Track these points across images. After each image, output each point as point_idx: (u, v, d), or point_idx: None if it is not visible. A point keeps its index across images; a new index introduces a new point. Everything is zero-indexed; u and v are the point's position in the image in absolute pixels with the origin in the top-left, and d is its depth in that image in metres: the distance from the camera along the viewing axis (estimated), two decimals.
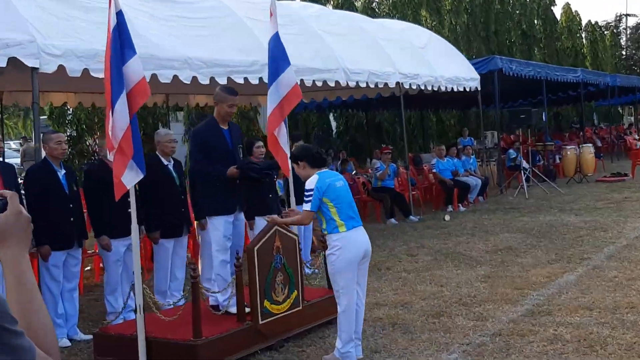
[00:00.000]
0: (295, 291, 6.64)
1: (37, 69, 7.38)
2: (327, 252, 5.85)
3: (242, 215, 7.08)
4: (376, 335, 6.72)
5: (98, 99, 12.83)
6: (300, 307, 6.71)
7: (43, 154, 7.29)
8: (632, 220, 12.19)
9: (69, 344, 6.96)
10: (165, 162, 7.87)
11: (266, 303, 6.29)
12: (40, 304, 1.74)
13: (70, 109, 17.51)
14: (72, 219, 7.02)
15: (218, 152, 6.75)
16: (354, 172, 17.30)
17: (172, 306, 7.10)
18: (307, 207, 5.76)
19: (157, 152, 7.94)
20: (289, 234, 6.63)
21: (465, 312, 7.24)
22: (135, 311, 5.86)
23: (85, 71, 7.90)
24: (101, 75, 8.01)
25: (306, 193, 5.75)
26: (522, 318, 6.92)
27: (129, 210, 6.93)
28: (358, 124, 25.91)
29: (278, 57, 7.27)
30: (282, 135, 7.25)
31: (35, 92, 7.58)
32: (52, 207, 6.88)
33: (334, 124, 27.62)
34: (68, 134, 17.66)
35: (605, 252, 9.69)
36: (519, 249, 10.35)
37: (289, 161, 7.58)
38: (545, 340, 6.23)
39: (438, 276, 8.92)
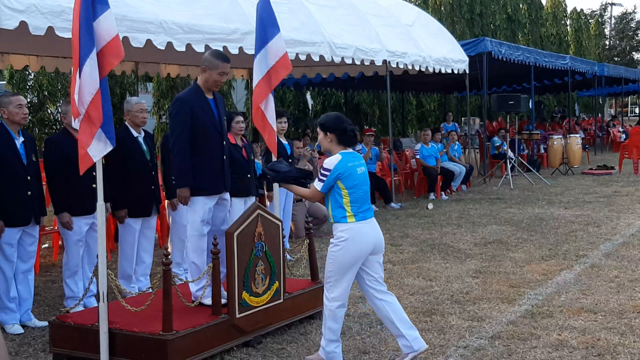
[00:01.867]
0: (277, 282, 5.99)
1: None
2: (331, 241, 5.22)
3: (227, 196, 6.22)
4: (363, 333, 6.13)
5: (62, 63, 12.07)
6: (282, 300, 6.06)
7: None
8: (625, 216, 11.70)
9: (22, 330, 6.26)
10: (136, 134, 7.15)
11: (244, 295, 5.63)
12: None
13: (32, 74, 16.59)
14: (29, 192, 6.28)
15: (203, 123, 5.89)
16: None
17: (137, 293, 6.41)
18: (318, 185, 5.16)
19: (126, 123, 7.21)
20: (272, 219, 5.97)
21: (459, 311, 6.65)
22: (97, 298, 5.19)
23: (50, 30, 7.14)
24: (67, 35, 7.28)
25: (322, 171, 5.12)
26: (522, 320, 6.35)
27: (94, 185, 6.24)
28: (336, 103, 25.23)
29: (267, 23, 6.58)
30: (270, 109, 6.59)
31: None
32: (7, 179, 6.15)
33: (310, 103, 26.93)
34: (28, 100, 16.74)
35: (602, 250, 9.16)
36: (509, 242, 9.80)
37: (280, 139, 6.96)
38: (550, 345, 5.67)
39: (426, 269, 8.33)
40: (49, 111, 17.31)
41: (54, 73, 14.73)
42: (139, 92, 16.00)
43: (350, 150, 5.29)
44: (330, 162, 5.14)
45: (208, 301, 5.69)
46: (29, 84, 16.63)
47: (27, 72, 16.11)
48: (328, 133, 5.23)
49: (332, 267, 5.22)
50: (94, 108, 4.94)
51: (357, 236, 5.16)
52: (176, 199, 7.60)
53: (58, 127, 17.18)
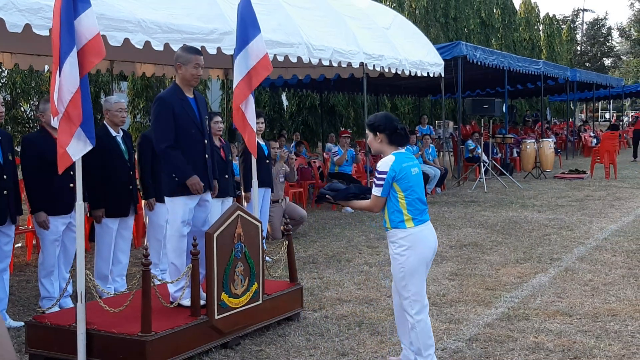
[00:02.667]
0: (256, 283, 5.97)
1: None
2: (394, 250, 4.98)
3: (209, 196, 6.13)
4: (342, 335, 6.11)
5: (37, 61, 11.95)
6: (260, 302, 6.04)
7: None
8: (598, 220, 11.81)
9: None
10: (114, 134, 7.09)
11: (223, 296, 5.61)
12: None
13: (5, 71, 16.38)
14: (5, 192, 6.18)
15: (184, 123, 5.82)
16: (309, 156, 16.66)
17: (114, 294, 6.36)
18: (376, 192, 4.92)
19: (104, 122, 7.15)
20: (252, 220, 5.95)
21: (436, 313, 6.67)
22: (75, 299, 5.14)
23: (27, 27, 7.06)
24: (45, 33, 7.23)
25: (378, 175, 4.90)
26: (498, 322, 6.39)
27: (71, 185, 6.22)
28: (311, 105, 25.21)
29: (248, 23, 6.56)
30: (250, 109, 6.56)
31: None
32: None
33: (285, 104, 26.88)
34: (2, 97, 16.56)
35: (576, 253, 9.25)
36: (484, 245, 9.86)
37: (257, 140, 6.94)
38: (527, 348, 5.71)
39: None
40: (22, 109, 17.10)
41: (27, 71, 14.56)
42: (113, 91, 15.87)
43: (402, 150, 5.07)
44: (384, 163, 4.92)
45: (187, 302, 5.65)
46: (1, 81, 16.42)
47: (0, 70, 15.92)
48: (378, 133, 5.02)
49: (405, 283, 4.97)
50: (73, 107, 4.89)
51: (419, 241, 4.94)
52: (153, 199, 7.59)
53: (31, 125, 16.98)
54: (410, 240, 4.91)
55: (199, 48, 9.07)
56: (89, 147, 4.99)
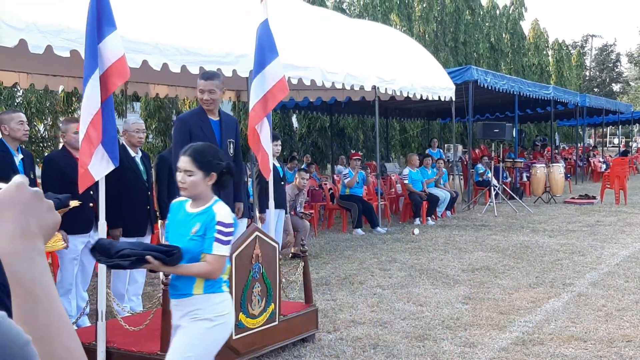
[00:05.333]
0: (273, 304, 6.01)
1: None
2: (203, 318, 3.90)
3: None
4: (357, 357, 6.13)
5: (52, 81, 12.10)
6: (277, 322, 6.07)
7: None
8: (609, 245, 11.81)
9: None
10: (133, 154, 7.17)
11: (241, 316, 5.64)
12: (60, 324, 1.15)
13: (21, 90, 16.53)
14: None
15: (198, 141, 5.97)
16: (319, 178, 16.71)
17: (132, 313, 6.40)
18: (223, 250, 3.90)
19: (123, 143, 7.23)
20: (269, 241, 6.00)
21: (450, 337, 6.69)
22: (92, 318, 5.18)
23: (49, 48, 7.16)
24: (66, 54, 7.36)
25: (223, 229, 3.88)
26: (513, 347, 6.40)
27: (91, 204, 6.28)
28: (321, 127, 25.31)
29: (265, 47, 6.64)
30: (265, 131, 6.62)
31: None
32: None
33: (295, 126, 26.98)
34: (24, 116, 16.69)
35: (588, 279, 9.25)
36: (497, 269, 9.87)
37: (272, 161, 6.99)
38: None
39: (416, 294, 8.37)
40: (37, 128, 17.24)
41: (42, 90, 14.69)
42: (127, 112, 15.98)
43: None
44: (226, 214, 3.92)
45: None
46: (17, 100, 16.57)
47: (15, 89, 16.06)
48: (212, 172, 3.93)
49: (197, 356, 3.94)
50: (93, 128, 4.97)
51: (231, 311, 4.08)
52: None
53: (45, 144, 17.09)
54: (228, 307, 4.02)
55: (216, 69, 9.22)
56: (112, 167, 5.06)
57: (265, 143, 6.68)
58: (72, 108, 17.59)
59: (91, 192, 6.16)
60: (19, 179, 1.23)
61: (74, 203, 3.59)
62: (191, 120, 5.98)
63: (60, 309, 1.17)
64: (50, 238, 1.25)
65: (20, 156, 6.34)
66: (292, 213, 11.50)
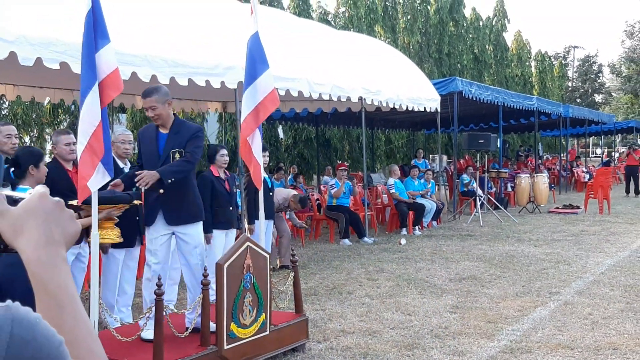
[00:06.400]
0: (264, 314, 6.05)
1: None
2: None
3: (176, 228, 6.20)
4: None
5: (39, 93, 12.10)
6: (268, 332, 6.12)
7: None
8: (594, 254, 11.93)
9: None
10: (122, 165, 7.21)
11: (232, 326, 5.68)
12: (84, 328, 1.20)
13: (7, 102, 16.50)
14: None
15: (145, 154, 6.24)
16: (306, 189, 16.76)
17: (120, 324, 6.42)
18: None
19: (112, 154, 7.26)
20: (260, 251, 6.05)
21: (439, 345, 6.75)
22: None
23: (38, 60, 7.20)
24: (55, 66, 7.40)
25: None
26: (502, 355, 6.47)
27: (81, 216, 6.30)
28: (307, 138, 25.37)
29: (256, 59, 6.70)
30: (256, 143, 6.68)
31: None
32: None
33: (281, 137, 27.02)
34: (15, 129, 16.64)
35: (574, 287, 9.35)
36: (483, 278, 9.95)
37: (262, 172, 7.04)
38: None
39: (404, 304, 8.43)
40: (23, 140, 17.19)
41: (29, 102, 14.68)
42: (113, 123, 15.98)
43: None
44: None
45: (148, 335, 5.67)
46: (3, 112, 16.52)
47: (1, 101, 16.02)
48: None
49: None
50: (95, 139, 5.00)
51: None
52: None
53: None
54: None
55: (204, 82, 9.30)
56: (107, 179, 5.10)
57: (257, 154, 6.74)
58: (59, 120, 17.57)
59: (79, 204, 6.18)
60: (41, 189, 1.28)
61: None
62: (143, 133, 6.31)
63: (84, 315, 1.22)
64: (72, 245, 1.30)
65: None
66: (284, 216, 11.62)
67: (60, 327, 1.15)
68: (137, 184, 5.81)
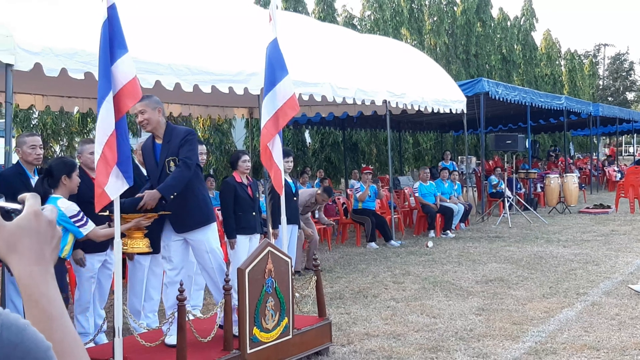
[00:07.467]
0: (286, 318, 6.10)
1: (11, 65, 6.79)
2: None
3: (184, 235, 6.27)
4: None
5: (67, 102, 12.28)
6: (291, 336, 6.16)
7: (15, 158, 6.68)
8: (624, 255, 11.82)
9: None
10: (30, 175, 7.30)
11: (255, 330, 5.74)
12: (72, 340, 1.25)
13: (37, 112, 16.73)
14: None
15: (149, 170, 6.38)
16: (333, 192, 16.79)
17: (146, 329, 6.50)
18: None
19: (137, 162, 7.37)
20: (281, 256, 6.09)
21: (464, 348, 6.74)
22: (109, 335, 5.28)
23: (63, 71, 7.33)
24: (80, 77, 7.53)
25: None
26: (526, 356, 6.45)
27: (107, 223, 6.39)
28: (334, 142, 25.41)
29: (275, 65, 6.76)
30: (277, 148, 6.74)
31: (9, 91, 6.96)
32: None
33: (308, 141, 27.09)
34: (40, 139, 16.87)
35: (602, 288, 9.28)
36: (510, 280, 9.91)
37: (284, 177, 7.09)
38: None
39: (429, 306, 8.43)
40: (53, 149, 17.43)
41: (58, 112, 14.87)
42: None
43: None
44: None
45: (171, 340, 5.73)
46: (32, 122, 16.77)
47: (31, 111, 16.26)
48: None
49: None
50: (108, 149, 5.08)
51: None
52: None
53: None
54: None
55: (227, 89, 9.38)
56: (126, 187, 5.17)
57: (278, 159, 6.80)
58: (88, 129, 17.78)
59: (107, 212, 6.28)
60: (34, 204, 1.32)
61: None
62: (144, 147, 6.43)
63: (71, 327, 1.28)
64: (55, 263, 1.34)
65: (37, 178, 6.47)
66: (311, 218, 11.71)
67: (50, 339, 1.20)
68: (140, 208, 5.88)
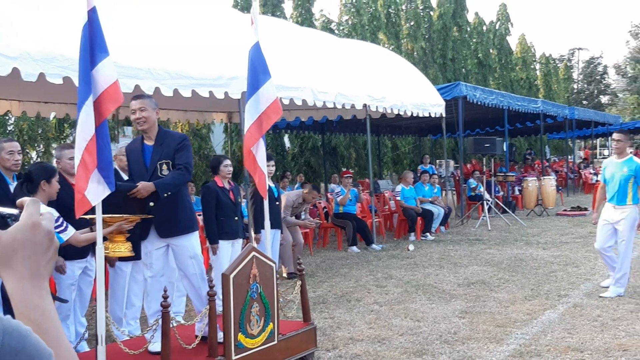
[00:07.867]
0: (271, 324, 6.05)
1: None
2: None
3: (169, 240, 6.19)
4: None
5: (44, 108, 12.17)
6: (276, 342, 6.11)
7: None
8: None
9: None
10: (125, 177, 7.22)
11: (240, 336, 5.68)
12: (66, 352, 1.23)
13: (12, 118, 16.53)
14: None
15: (132, 167, 6.25)
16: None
17: (128, 337, 6.42)
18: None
19: (116, 167, 7.29)
20: (266, 261, 6.04)
21: (449, 351, 6.73)
22: (90, 343, 5.21)
23: (42, 76, 7.24)
24: (58, 81, 7.44)
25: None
26: (511, 359, 6.45)
27: (87, 229, 6.31)
28: (313, 146, 25.39)
29: (258, 69, 6.71)
30: (260, 152, 6.68)
31: None
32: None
33: (287, 146, 27.03)
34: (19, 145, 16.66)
35: (583, 290, 9.32)
36: (492, 282, 9.93)
37: (267, 182, 7.04)
38: None
39: (413, 310, 8.42)
40: (30, 155, 17.23)
41: (34, 117, 14.72)
42: (118, 137, 16.01)
43: None
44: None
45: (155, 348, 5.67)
46: (8, 128, 16.57)
47: (7, 117, 16.07)
48: None
49: None
50: (88, 153, 5.01)
51: None
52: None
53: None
54: None
55: (207, 93, 9.32)
56: (108, 192, 5.09)
57: (262, 164, 6.75)
58: (65, 134, 17.61)
59: (87, 218, 6.19)
60: (33, 213, 1.27)
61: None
62: (130, 148, 6.32)
63: (66, 340, 1.24)
64: (50, 275, 1.30)
65: (16, 184, 6.37)
66: (295, 219, 11.67)
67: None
68: (133, 196, 5.83)
